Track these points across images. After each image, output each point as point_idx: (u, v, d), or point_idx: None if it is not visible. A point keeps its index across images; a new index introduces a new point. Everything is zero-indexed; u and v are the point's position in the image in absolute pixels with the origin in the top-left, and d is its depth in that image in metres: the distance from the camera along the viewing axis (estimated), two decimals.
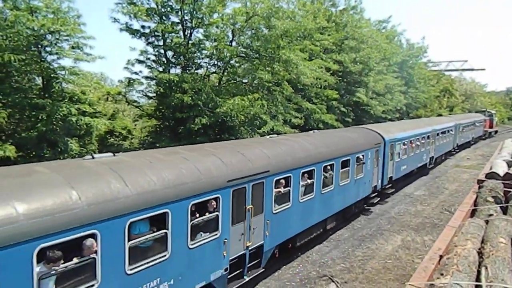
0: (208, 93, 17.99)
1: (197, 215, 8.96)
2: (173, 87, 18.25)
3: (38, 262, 5.96)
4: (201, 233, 9.07)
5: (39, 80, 16.31)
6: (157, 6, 18.34)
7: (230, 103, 17.54)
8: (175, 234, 8.24)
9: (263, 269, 11.56)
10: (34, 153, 15.16)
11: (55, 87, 16.14)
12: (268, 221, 11.41)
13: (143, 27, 18.90)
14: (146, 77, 19.92)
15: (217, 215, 9.42)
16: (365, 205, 19.61)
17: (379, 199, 20.61)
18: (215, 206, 9.36)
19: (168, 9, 18.77)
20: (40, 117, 14.34)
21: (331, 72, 27.85)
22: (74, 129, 15.91)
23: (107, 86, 28.31)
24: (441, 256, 5.50)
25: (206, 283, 9.31)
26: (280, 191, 11.86)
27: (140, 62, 19.57)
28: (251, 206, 10.55)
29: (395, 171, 22.07)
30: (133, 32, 18.76)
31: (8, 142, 13.91)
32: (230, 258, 10.04)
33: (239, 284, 10.52)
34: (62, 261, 6.26)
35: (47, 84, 15.94)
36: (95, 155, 8.33)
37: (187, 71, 19.39)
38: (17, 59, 13.44)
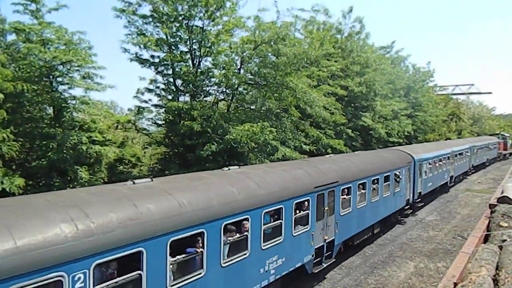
0: (217, 120, 18.14)
1: (297, 211, 12.03)
2: (182, 115, 18.45)
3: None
4: (299, 225, 12.13)
5: (50, 110, 16.61)
6: (166, 36, 18.78)
7: (240, 130, 17.66)
8: (287, 224, 11.44)
9: (334, 259, 14.55)
10: (43, 182, 15.28)
11: (66, 116, 16.41)
12: (337, 221, 14.47)
13: (152, 56, 19.31)
14: (156, 105, 20.19)
15: (308, 212, 12.51)
16: (399, 216, 22.40)
17: (411, 210, 23.85)
18: (307, 206, 12.46)
19: (177, 39, 19.20)
20: (50, 146, 14.51)
21: (338, 97, 28.02)
22: (84, 157, 16.06)
23: (117, 114, 28.70)
24: (455, 284, 5.36)
25: (301, 264, 12.37)
26: (345, 198, 15.00)
27: (149, 90, 19.89)
28: (327, 208, 13.70)
29: (423, 187, 25.11)
30: (143, 62, 19.16)
31: (18, 172, 14.06)
32: (315, 247, 13.08)
33: (320, 269, 13.55)
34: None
35: (58, 113, 16.23)
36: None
37: (196, 98, 19.64)
38: (29, 89, 13.76)
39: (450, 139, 52.42)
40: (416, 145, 33.93)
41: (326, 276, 14.47)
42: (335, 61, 29.59)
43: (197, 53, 19.68)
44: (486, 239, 7.66)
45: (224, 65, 19.85)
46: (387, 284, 14.07)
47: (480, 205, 27.37)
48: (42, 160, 14.94)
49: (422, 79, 48.41)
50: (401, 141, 38.80)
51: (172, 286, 7.70)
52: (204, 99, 20.80)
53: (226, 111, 21.09)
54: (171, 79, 19.70)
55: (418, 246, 18.44)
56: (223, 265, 9.03)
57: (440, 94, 63.31)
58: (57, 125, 15.89)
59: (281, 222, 11.16)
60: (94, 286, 6.39)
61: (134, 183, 8.76)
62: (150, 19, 18.77)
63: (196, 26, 19.10)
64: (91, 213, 6.67)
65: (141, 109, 19.85)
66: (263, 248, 10.44)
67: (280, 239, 11.13)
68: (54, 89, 15.74)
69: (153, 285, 7.29)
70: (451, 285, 5.37)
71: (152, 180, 9.26)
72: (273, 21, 19.90)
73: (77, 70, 15.79)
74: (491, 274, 5.38)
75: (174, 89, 19.71)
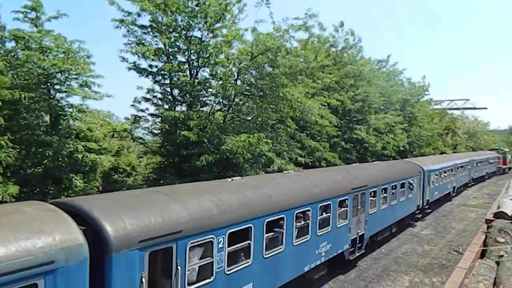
0: (213, 130, 18.13)
1: (340, 208, 14.87)
2: (179, 124, 18.43)
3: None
4: (340, 219, 15.01)
5: (47, 117, 16.55)
6: (165, 46, 18.86)
7: (235, 140, 17.66)
8: (333, 217, 14.39)
9: (363, 251, 17.53)
10: (38, 189, 15.16)
11: (63, 124, 16.36)
12: (366, 219, 17.43)
13: (150, 66, 19.35)
14: (152, 115, 20.16)
15: (347, 209, 15.43)
16: (410, 220, 25.45)
17: (421, 215, 27.01)
18: (346, 203, 15.31)
19: (176, 49, 19.28)
20: (46, 154, 14.43)
21: (333, 109, 28.14)
22: (80, 165, 15.97)
23: (113, 123, 28.65)
24: None
25: (342, 251, 15.30)
26: (372, 199, 17.89)
27: (146, 100, 19.88)
28: (360, 206, 16.73)
29: (430, 195, 28.30)
30: (141, 71, 19.18)
31: (13, 179, 13.94)
32: (351, 238, 16.01)
33: (354, 257, 16.60)
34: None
35: (55, 121, 16.18)
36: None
37: (193, 108, 19.66)
38: (26, 97, 13.72)
39: (445, 153, 52.75)
40: (425, 157, 37.74)
41: None
42: (330, 74, 29.76)
43: (195, 64, 19.75)
44: (482, 255, 7.65)
45: (221, 76, 19.92)
46: None
47: (476, 220, 27.42)
48: (38, 167, 14.84)
49: (417, 93, 48.66)
50: (395, 154, 38.92)
51: (266, 255, 10.84)
52: (201, 109, 20.82)
53: (222, 121, 21.10)
54: (168, 89, 19.72)
55: (413, 260, 18.39)
56: (294, 244, 12.11)
57: (436, 109, 63.70)
58: (53, 132, 15.82)
59: (329, 215, 14.16)
60: (227, 247, 9.36)
61: (232, 179, 12.18)
62: (149, 29, 18.87)
63: (195, 36, 19.21)
64: (222, 198, 9.69)
65: (137, 118, 19.81)
66: (318, 234, 13.44)
67: (328, 228, 14.14)
68: (51, 97, 15.72)
69: (256, 252, 10.40)
70: None
71: (242, 178, 12.68)
72: (269, 32, 19.99)
73: (75, 78, 15.78)
74: None
75: (171, 99, 19.72)
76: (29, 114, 15.78)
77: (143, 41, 18.90)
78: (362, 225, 17.01)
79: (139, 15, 18.45)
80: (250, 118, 22.27)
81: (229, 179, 12.29)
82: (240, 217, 9.87)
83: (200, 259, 8.73)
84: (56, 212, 6.77)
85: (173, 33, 18.76)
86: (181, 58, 19.72)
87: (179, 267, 8.01)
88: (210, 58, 19.28)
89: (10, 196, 12.39)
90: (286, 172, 15.98)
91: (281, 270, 11.58)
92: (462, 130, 71.74)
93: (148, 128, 20.56)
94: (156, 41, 19.12)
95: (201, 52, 19.12)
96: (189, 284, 8.31)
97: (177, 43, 19.14)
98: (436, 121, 57.11)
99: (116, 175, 21.91)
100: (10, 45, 16.14)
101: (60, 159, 14.85)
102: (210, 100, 21.27)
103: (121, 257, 6.88)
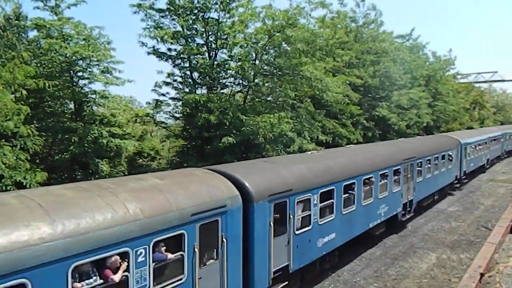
0: (234, 112, 18.13)
1: (394, 176, 17.43)
2: (199, 107, 18.50)
3: None
4: (395, 186, 17.47)
5: (71, 104, 16.88)
6: (183, 29, 18.80)
7: (258, 121, 17.63)
8: (389, 184, 16.87)
9: (413, 213, 19.85)
10: (66, 175, 15.59)
11: (87, 111, 16.66)
12: (415, 186, 19.74)
13: (169, 50, 19.38)
14: (173, 98, 20.30)
15: (400, 177, 17.82)
16: (449, 191, 27.26)
17: (459, 185, 29.17)
18: (399, 172, 17.80)
19: (193, 31, 19.21)
20: (72, 140, 14.76)
21: (354, 86, 27.63)
22: (105, 150, 16.29)
23: (135, 108, 29.00)
24: (482, 274, 5.23)
25: (396, 213, 17.79)
26: (418, 169, 20.24)
27: (167, 84, 19.99)
28: (410, 175, 19.11)
29: (467, 166, 30.32)
30: (160, 55, 19.24)
31: (41, 166, 14.34)
32: (403, 203, 18.44)
33: (406, 218, 19.11)
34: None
35: (79, 107, 16.49)
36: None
37: (213, 91, 19.67)
38: (50, 85, 13.98)
39: (472, 128, 51.38)
40: (461, 131, 40.20)
41: (345, 268, 14.40)
42: (349, 50, 29.11)
43: (213, 46, 19.66)
44: None
45: (239, 57, 19.79)
46: (408, 275, 13.91)
47: (505, 195, 26.77)
48: (65, 154, 15.23)
49: (442, 68, 47.17)
50: (420, 132, 38.07)
51: (343, 212, 13.49)
52: (221, 91, 20.81)
53: (242, 103, 21.07)
54: (188, 72, 19.75)
55: (440, 237, 18.15)
56: (362, 204, 14.76)
57: (462, 83, 61.71)
58: (78, 119, 16.16)
59: (386, 182, 16.55)
60: (320, 204, 12.15)
61: (311, 152, 15.58)
62: (167, 13, 18.82)
63: (212, 18, 19.06)
64: (312, 166, 12.57)
65: (159, 103, 19.99)
66: (378, 197, 15.93)
67: (386, 193, 16.54)
68: (74, 84, 15.99)
69: (337, 209, 13.03)
70: (477, 275, 5.24)
71: (317, 152, 16.49)
72: (286, 9, 19.65)
73: (97, 64, 15.98)
74: None
75: (191, 82, 19.76)
76: (53, 102, 16.14)
77: (161, 25, 18.91)
78: (411, 192, 19.41)
79: None
80: (270, 98, 22.14)
81: (309, 152, 16.10)
82: (326, 180, 12.56)
83: (302, 212, 11.51)
84: (215, 174, 9.65)
85: (190, 15, 18.66)
86: (199, 40, 19.69)
87: (291, 216, 10.85)
88: (228, 39, 19.13)
89: (37, 184, 12.73)
90: (349, 146, 18.95)
91: (353, 225, 14.33)
92: (490, 104, 69.40)
93: (169, 112, 20.76)
94: (174, 24, 19.11)
95: (218, 34, 18.99)
96: (297, 230, 11.18)
97: (195, 26, 19.07)
98: (462, 95, 55.42)
99: (141, 160, 22.28)
100: (32, 34, 16.44)
101: (85, 144, 15.19)
102: (230, 82, 21.26)
103: (259, 206, 9.72)
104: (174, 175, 9.39)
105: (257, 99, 21.95)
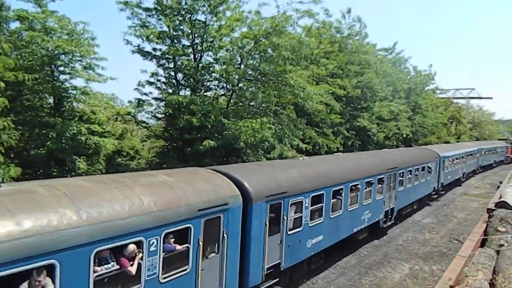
0: (216, 115, 18.10)
1: (378, 184, 18.24)
2: (182, 109, 18.40)
3: None
4: (378, 193, 18.22)
5: (50, 99, 16.55)
6: (169, 29, 18.71)
7: (240, 125, 17.62)
8: (374, 191, 17.71)
9: (393, 221, 20.86)
10: (41, 171, 15.25)
11: (66, 106, 16.38)
12: (396, 195, 20.65)
13: (154, 49, 19.24)
14: (156, 98, 20.12)
15: (383, 186, 18.69)
16: (427, 201, 28.40)
17: (436, 196, 30.71)
18: (383, 181, 18.56)
19: (180, 32, 19.13)
20: (50, 136, 14.46)
21: (336, 96, 27.90)
22: (83, 148, 16.02)
23: (117, 106, 28.63)
24: (451, 287, 5.36)
25: (378, 220, 18.68)
26: (400, 179, 21.10)
27: (150, 83, 19.82)
28: (392, 184, 19.97)
29: (444, 178, 31.53)
30: (145, 54, 19.08)
31: (16, 160, 13.99)
32: (385, 210, 19.35)
33: (387, 225, 20.15)
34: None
35: (58, 103, 16.19)
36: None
37: (196, 93, 19.59)
38: (30, 78, 13.69)
39: (449, 142, 52.58)
40: (440, 145, 41.17)
41: (320, 275, 14.49)
42: (334, 60, 29.44)
43: (199, 48, 19.60)
44: (483, 243, 7.67)
45: (224, 60, 19.79)
46: (381, 285, 14.11)
47: (477, 209, 27.43)
48: (41, 149, 14.91)
49: (423, 82, 48.16)
50: (399, 144, 38.71)
51: (331, 216, 14.27)
52: (204, 94, 20.74)
53: (225, 106, 21.05)
54: (172, 73, 19.64)
55: (413, 248, 18.48)
56: (348, 210, 15.50)
57: (441, 97, 63.10)
58: (56, 114, 15.86)
59: (371, 189, 17.33)
60: (310, 207, 12.81)
61: (302, 158, 16.56)
62: (154, 12, 18.69)
63: (199, 20, 19.03)
64: (303, 171, 13.21)
65: (141, 102, 19.78)
66: (363, 204, 16.78)
67: (370, 200, 17.41)
68: (55, 79, 15.69)
69: (326, 212, 13.87)
70: None
71: (309, 158, 16.85)
72: (273, 16, 19.75)
73: (79, 60, 15.74)
74: (488, 279, 5.39)
75: (175, 83, 19.65)
76: (32, 96, 15.80)
77: (147, 24, 18.76)
78: (393, 200, 20.38)
79: None
80: (253, 103, 22.18)
81: (300, 158, 16.87)
82: (317, 185, 13.23)
83: (294, 213, 12.16)
84: (217, 174, 10.28)
85: (178, 16, 18.58)
86: (185, 41, 19.60)
87: (284, 217, 11.56)
88: (214, 42, 19.12)
89: (10, 179, 12.40)
90: (337, 154, 19.80)
91: (340, 229, 15.14)
92: (466, 120, 71.18)
93: (151, 112, 20.54)
94: (161, 24, 18.98)
95: (205, 36, 18.96)
96: (289, 230, 11.88)
97: (181, 27, 18.99)
98: (441, 110, 56.65)
99: (120, 158, 22.00)
100: (14, 25, 16.08)
101: (63, 141, 14.90)
102: (214, 85, 21.20)
103: (257, 205, 10.40)
104: (181, 173, 10.07)
105: (240, 104, 21.95)
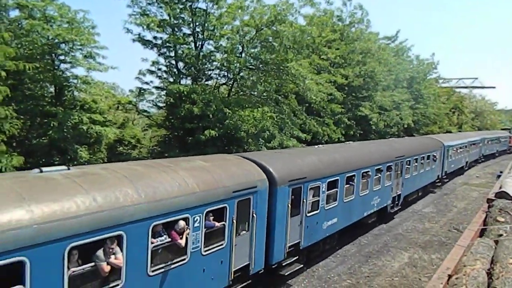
0: (217, 105, 18.08)
1: (387, 172, 19.28)
2: (183, 98, 18.39)
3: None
4: (386, 180, 19.26)
5: (51, 88, 16.52)
6: (170, 17, 18.59)
7: (241, 115, 17.61)
8: (383, 178, 18.72)
9: (400, 207, 21.84)
10: (43, 160, 15.30)
11: (67, 96, 16.36)
12: (403, 182, 21.54)
13: (155, 38, 19.14)
14: (157, 87, 20.10)
15: (391, 173, 19.67)
16: (430, 189, 29.26)
17: (440, 183, 31.43)
18: (391, 169, 19.66)
19: (180, 21, 19.01)
20: (51, 125, 14.48)
21: (338, 85, 27.81)
22: (84, 137, 16.05)
23: (118, 95, 28.57)
24: (449, 276, 5.42)
25: (386, 205, 19.72)
26: (407, 167, 21.95)
27: (151, 72, 19.77)
28: (399, 171, 20.91)
29: (448, 167, 32.34)
30: (145, 43, 18.99)
31: (18, 150, 14.03)
32: (392, 196, 20.28)
33: (395, 210, 21.28)
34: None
35: (59, 92, 16.16)
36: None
37: (198, 82, 19.54)
38: (31, 67, 13.65)
39: (451, 132, 52.50)
40: (444, 134, 42.77)
41: (320, 263, 14.62)
42: (336, 49, 29.22)
43: (200, 36, 19.51)
44: (482, 233, 7.72)
45: (226, 49, 19.69)
46: (380, 273, 14.23)
47: (477, 199, 27.49)
48: (43, 138, 14.94)
49: (425, 70, 47.84)
50: (400, 133, 38.65)
51: (345, 200, 15.24)
52: (206, 82, 20.69)
53: (227, 95, 21.01)
54: (173, 62, 19.58)
55: (413, 237, 18.59)
56: (360, 195, 16.54)
57: (444, 87, 62.82)
58: (58, 103, 15.84)
59: (380, 176, 18.35)
60: (327, 191, 13.89)
61: (318, 146, 17.35)
62: (154, 0, 18.56)
63: (200, 8, 18.90)
64: (321, 158, 14.29)
65: (142, 91, 19.77)
66: (373, 190, 17.75)
67: (379, 186, 18.38)
68: (56, 68, 15.65)
69: (340, 197, 14.82)
70: (445, 277, 5.43)
71: (323, 146, 18.01)
72: (274, 4, 19.59)
73: (80, 49, 15.66)
74: (486, 268, 5.44)
75: (176, 72, 19.59)
76: (33, 85, 15.75)
77: (147, 12, 18.63)
78: (399, 187, 21.24)
79: None
80: (254, 92, 22.14)
81: (315, 146, 17.68)
82: (333, 171, 14.24)
83: (312, 197, 13.14)
84: (245, 160, 11.36)
85: (178, 4, 18.45)
86: (186, 30, 19.50)
87: (304, 200, 12.56)
88: (215, 30, 19.00)
89: (13, 169, 12.44)
90: (348, 143, 20.59)
91: (352, 212, 16.13)
92: (469, 109, 70.97)
93: (152, 101, 20.53)
94: (161, 12, 18.86)
95: (206, 24, 18.84)
96: (308, 212, 12.87)
97: (182, 15, 18.86)
98: (443, 100, 56.42)
99: (121, 147, 22.03)
100: (14, 14, 15.97)
101: (65, 130, 14.91)
102: (215, 74, 21.13)
103: (281, 189, 11.39)
104: (214, 158, 11.25)
105: (241, 93, 21.91)
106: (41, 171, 7.34)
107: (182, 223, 8.24)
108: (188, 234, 8.38)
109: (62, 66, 15.94)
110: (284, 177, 11.60)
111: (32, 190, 6.38)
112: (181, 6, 18.62)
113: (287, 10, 19.35)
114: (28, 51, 15.00)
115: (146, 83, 19.93)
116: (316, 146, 17.45)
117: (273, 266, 11.73)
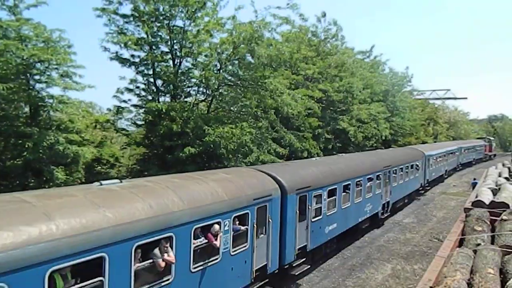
0: (196, 122, 18.03)
1: (377, 180, 20.79)
2: (162, 115, 18.28)
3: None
4: (377, 188, 20.79)
5: (26, 108, 16.16)
6: (147, 35, 18.58)
7: (220, 131, 17.57)
8: (374, 187, 20.38)
9: (389, 213, 23.46)
10: (18, 182, 14.87)
11: (43, 115, 16.01)
12: (391, 190, 23.25)
13: (133, 56, 19.08)
14: (135, 105, 19.94)
15: (380, 182, 21.30)
16: (415, 196, 31.20)
17: (423, 191, 33.59)
18: (380, 178, 21.27)
19: (158, 39, 19.02)
20: (26, 146, 14.12)
21: (316, 99, 28.08)
22: (61, 157, 15.69)
23: (95, 114, 28.17)
24: None
25: (377, 211, 21.24)
26: (394, 176, 23.77)
27: (129, 90, 19.63)
28: (387, 180, 22.63)
29: (430, 175, 34.45)
30: (123, 61, 18.89)
31: None
32: (382, 203, 21.86)
33: (385, 216, 22.84)
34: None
35: (35, 112, 15.82)
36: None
37: (176, 99, 19.48)
38: (4, 88, 13.36)
39: (427, 142, 53.65)
40: (423, 144, 45.08)
41: (304, 279, 14.56)
42: (313, 65, 29.65)
43: (178, 54, 19.54)
44: (461, 243, 7.85)
45: (203, 66, 19.74)
46: (364, 286, 14.27)
47: (455, 208, 28.04)
48: (17, 159, 14.54)
49: (399, 84, 48.97)
50: (378, 145, 39.23)
51: (342, 206, 16.76)
52: (185, 99, 20.63)
53: (206, 112, 20.97)
54: (152, 79, 19.50)
55: (395, 248, 18.77)
56: (355, 202, 18.08)
57: (418, 99, 64.38)
58: (33, 124, 15.47)
59: (371, 185, 20.01)
60: (327, 198, 15.40)
61: (316, 159, 19.30)
62: (131, 19, 18.55)
63: (177, 26, 18.97)
64: (320, 169, 15.93)
65: (120, 109, 19.57)
66: (366, 197, 19.30)
67: (371, 194, 19.98)
68: (31, 88, 15.34)
69: (338, 203, 16.29)
70: None
71: (320, 158, 19.97)
72: (250, 21, 19.79)
73: (56, 68, 15.43)
74: (466, 278, 5.52)
75: (155, 89, 19.51)
76: (7, 105, 15.36)
77: (124, 31, 18.59)
78: (388, 194, 22.92)
79: (120, 3, 18.13)
80: (233, 109, 22.15)
81: (313, 158, 19.97)
82: (332, 181, 15.71)
83: (316, 204, 14.52)
84: (260, 172, 12.76)
85: (155, 22, 18.49)
86: (163, 48, 19.52)
87: (309, 207, 13.97)
88: (193, 47, 19.07)
89: None
90: (341, 155, 22.10)
91: (348, 218, 17.56)
92: (443, 120, 72.88)
93: (131, 119, 20.35)
94: (138, 30, 18.85)
95: (183, 42, 18.91)
96: (312, 218, 14.24)
97: (159, 33, 18.90)
98: (418, 111, 57.78)
99: (99, 167, 21.60)
100: None
101: (40, 151, 14.52)
102: (194, 90, 21.14)
103: (290, 197, 12.81)
104: (234, 171, 12.81)
105: (220, 109, 21.91)
106: (101, 184, 8.61)
107: (217, 227, 9.51)
108: (220, 236, 9.60)
109: (38, 86, 15.63)
110: (292, 186, 13.00)
111: (102, 199, 7.60)
112: (158, 24, 18.68)
113: (264, 27, 19.61)
114: (2, 71, 14.68)
115: (124, 101, 19.78)
116: (314, 158, 19.33)
117: (285, 267, 12.96)
